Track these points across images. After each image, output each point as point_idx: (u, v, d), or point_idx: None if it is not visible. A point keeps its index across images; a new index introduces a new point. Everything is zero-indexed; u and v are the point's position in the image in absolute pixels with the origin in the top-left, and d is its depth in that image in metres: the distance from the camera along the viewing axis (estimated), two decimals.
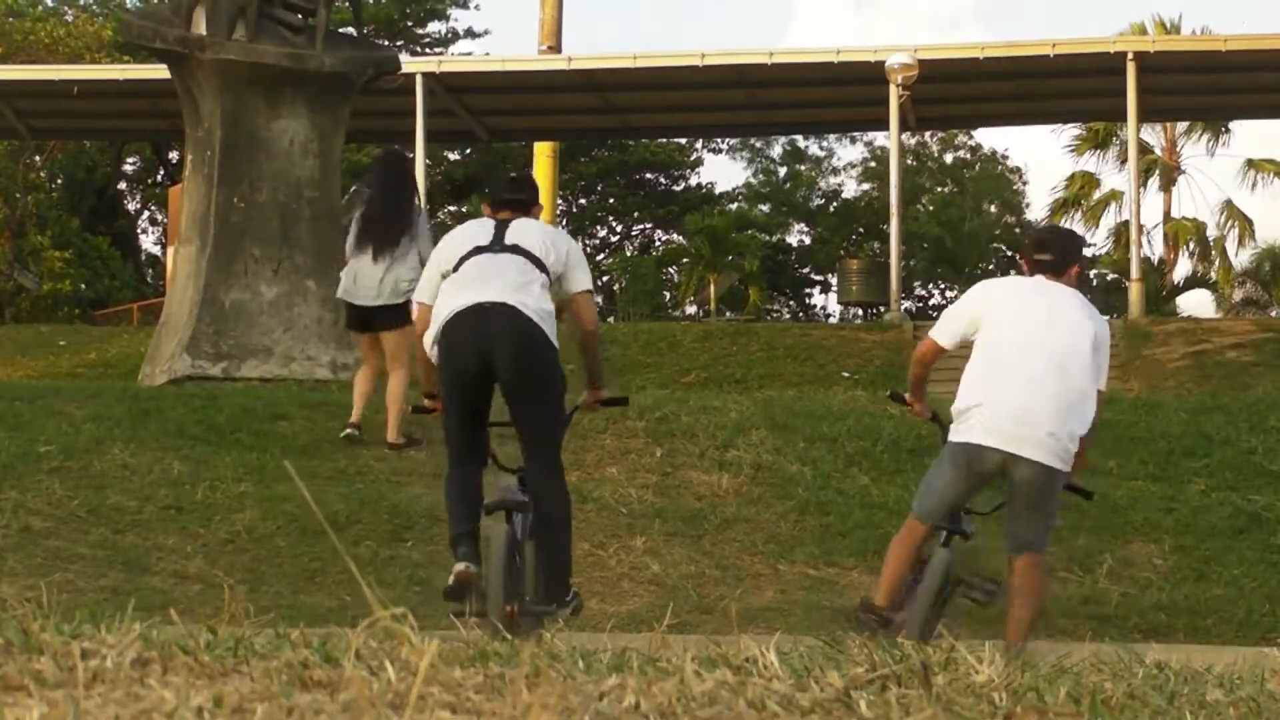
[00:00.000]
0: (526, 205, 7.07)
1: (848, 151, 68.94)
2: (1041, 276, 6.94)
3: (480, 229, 6.84)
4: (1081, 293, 6.98)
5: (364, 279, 11.18)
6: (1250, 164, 40.73)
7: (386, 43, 35.16)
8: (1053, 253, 6.98)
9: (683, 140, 45.42)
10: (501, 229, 6.77)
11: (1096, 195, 42.07)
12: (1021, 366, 6.66)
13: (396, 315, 10.93)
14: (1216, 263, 41.61)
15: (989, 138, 50.46)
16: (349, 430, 11.35)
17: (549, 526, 6.59)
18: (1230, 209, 41.43)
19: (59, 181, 41.83)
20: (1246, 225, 41.35)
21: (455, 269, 6.65)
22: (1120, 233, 41.53)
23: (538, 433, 6.67)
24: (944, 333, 7.15)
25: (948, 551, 7.10)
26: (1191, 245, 41.71)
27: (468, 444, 6.63)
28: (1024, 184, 50.72)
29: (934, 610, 6.92)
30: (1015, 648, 6.16)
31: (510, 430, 6.86)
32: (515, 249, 6.66)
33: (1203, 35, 33.98)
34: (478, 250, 6.67)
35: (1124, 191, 35.05)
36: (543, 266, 6.67)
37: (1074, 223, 42.75)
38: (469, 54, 43.89)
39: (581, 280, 6.87)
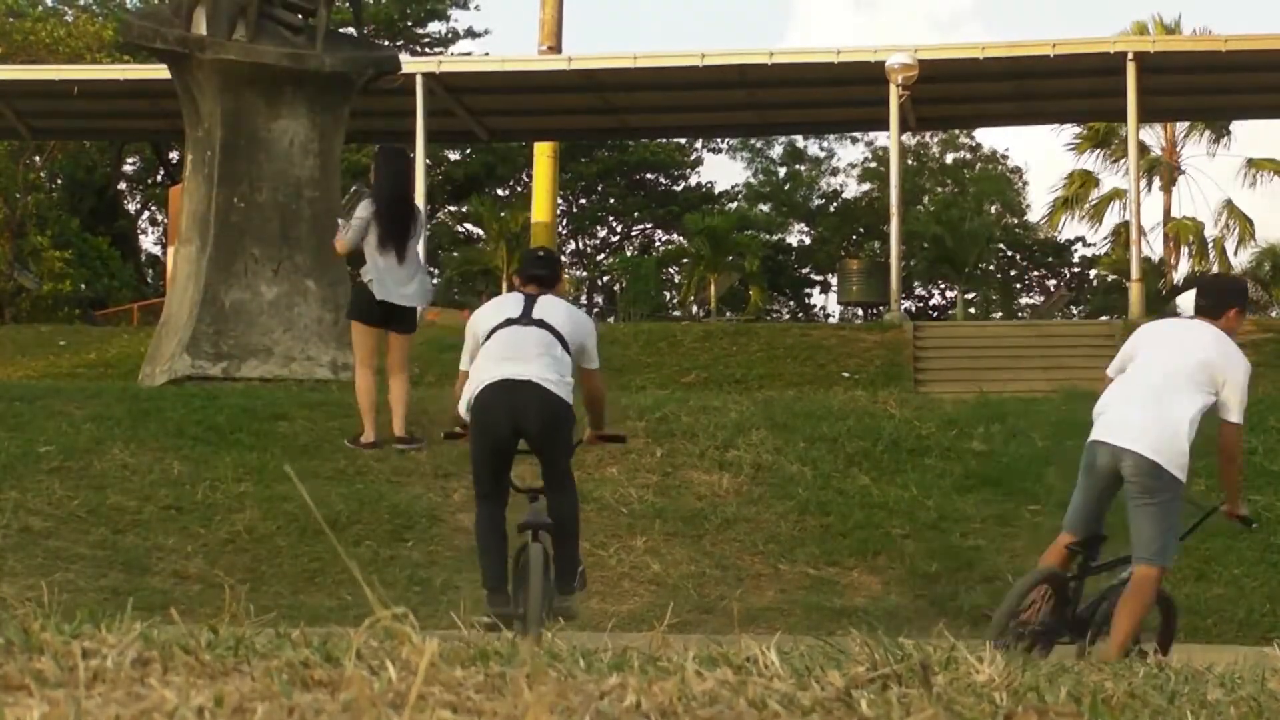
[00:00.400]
0: (552, 281, 7.98)
1: (848, 152, 69.02)
2: (1199, 319, 7.87)
3: (511, 303, 7.77)
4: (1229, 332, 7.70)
5: (395, 277, 11.27)
6: (1251, 163, 40.77)
7: (386, 43, 35.17)
8: (1208, 298, 7.91)
9: (682, 140, 45.44)
10: (530, 304, 7.69)
11: (1096, 194, 42.08)
12: (1139, 380, 7.56)
13: (413, 319, 11.26)
14: (1216, 263, 41.63)
15: (989, 138, 50.46)
16: (369, 446, 11.33)
17: (563, 529, 7.59)
18: (1230, 209, 41.47)
19: (59, 182, 41.84)
20: (1247, 225, 41.39)
21: (487, 339, 7.61)
22: (1120, 232, 41.55)
23: (555, 465, 7.70)
24: (1111, 365, 7.99)
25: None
26: (1192, 245, 41.75)
27: (496, 488, 7.65)
28: (1024, 184, 50.71)
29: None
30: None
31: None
32: (541, 323, 7.59)
33: (1203, 35, 33.98)
34: (509, 322, 7.61)
35: (1125, 190, 35.01)
36: (564, 340, 7.62)
37: (1075, 221, 42.80)
38: (469, 54, 43.90)
39: (593, 359, 7.86)
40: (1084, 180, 41.71)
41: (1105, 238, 43.19)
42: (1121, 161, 38.78)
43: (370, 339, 11.44)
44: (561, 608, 7.50)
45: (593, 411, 8.12)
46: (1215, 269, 41.70)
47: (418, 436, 11.33)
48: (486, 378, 7.48)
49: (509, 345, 7.53)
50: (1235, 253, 41.84)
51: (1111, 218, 42.03)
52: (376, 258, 11.38)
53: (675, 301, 43.25)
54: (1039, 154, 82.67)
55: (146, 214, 48.60)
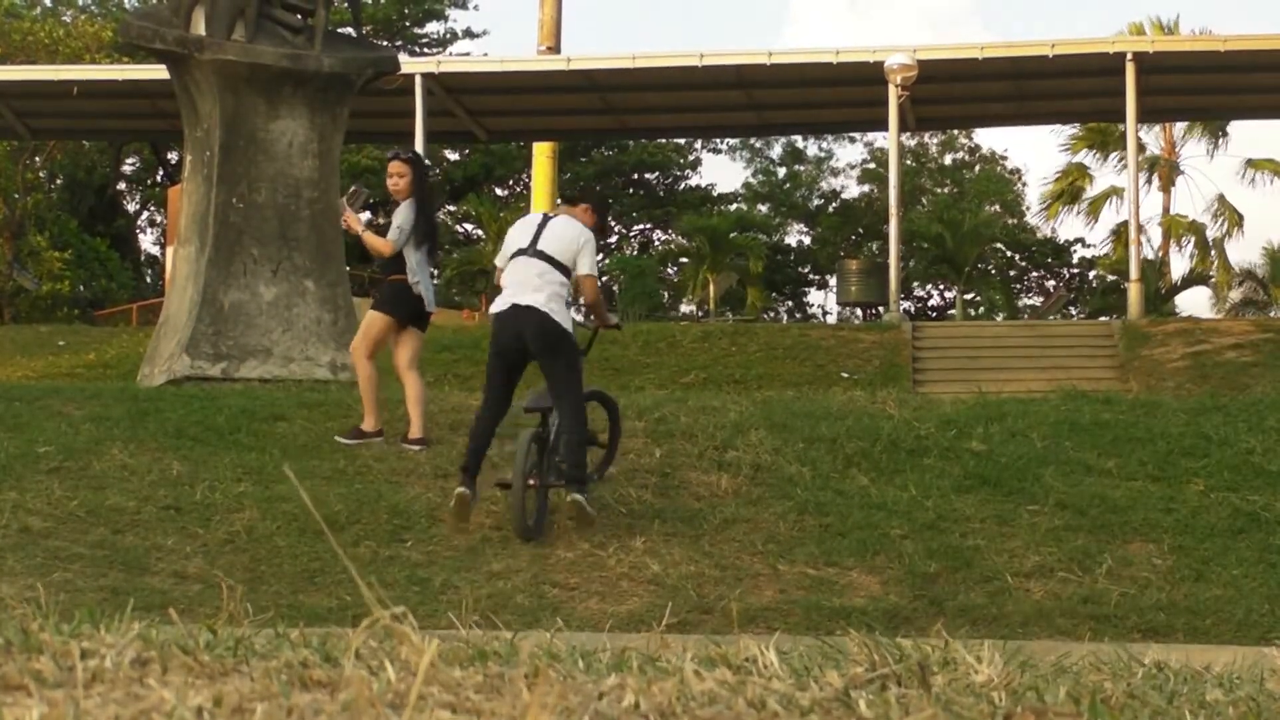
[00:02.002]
0: (573, 200, 10.37)
1: (847, 152, 69.02)
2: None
3: (526, 229, 9.80)
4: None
5: (429, 282, 11.57)
6: (1250, 164, 40.80)
7: (385, 43, 35.16)
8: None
9: (681, 141, 45.44)
10: (540, 229, 9.69)
11: (1091, 190, 42.09)
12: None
13: (428, 318, 11.61)
14: (1216, 261, 41.66)
15: (988, 138, 50.47)
16: (374, 435, 11.39)
17: (566, 433, 9.55)
18: (1222, 203, 41.50)
19: (58, 182, 41.83)
20: (1236, 219, 41.42)
21: (509, 263, 9.74)
22: (1121, 232, 41.58)
23: (554, 374, 9.69)
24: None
25: None
26: (1189, 245, 41.77)
27: (500, 397, 9.77)
28: (1023, 184, 50.69)
29: None
30: None
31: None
32: (540, 254, 9.59)
33: (1201, 35, 34.00)
34: (519, 252, 9.65)
35: (1123, 188, 35.02)
36: (561, 265, 9.60)
37: (1071, 217, 42.82)
38: (468, 54, 43.90)
39: (583, 265, 9.74)
40: (1077, 174, 41.71)
41: (1105, 238, 43.22)
42: (1121, 160, 38.78)
43: (387, 336, 11.48)
44: (556, 484, 9.66)
45: (588, 308, 10.55)
46: (1214, 268, 41.73)
47: (429, 439, 11.39)
48: (502, 303, 9.61)
49: (517, 275, 9.59)
50: (1225, 242, 41.86)
51: (1108, 216, 42.08)
52: (424, 263, 11.53)
53: (674, 302, 43.25)
54: (1038, 154, 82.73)
55: (146, 214, 48.61)
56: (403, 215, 11.44)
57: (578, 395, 9.73)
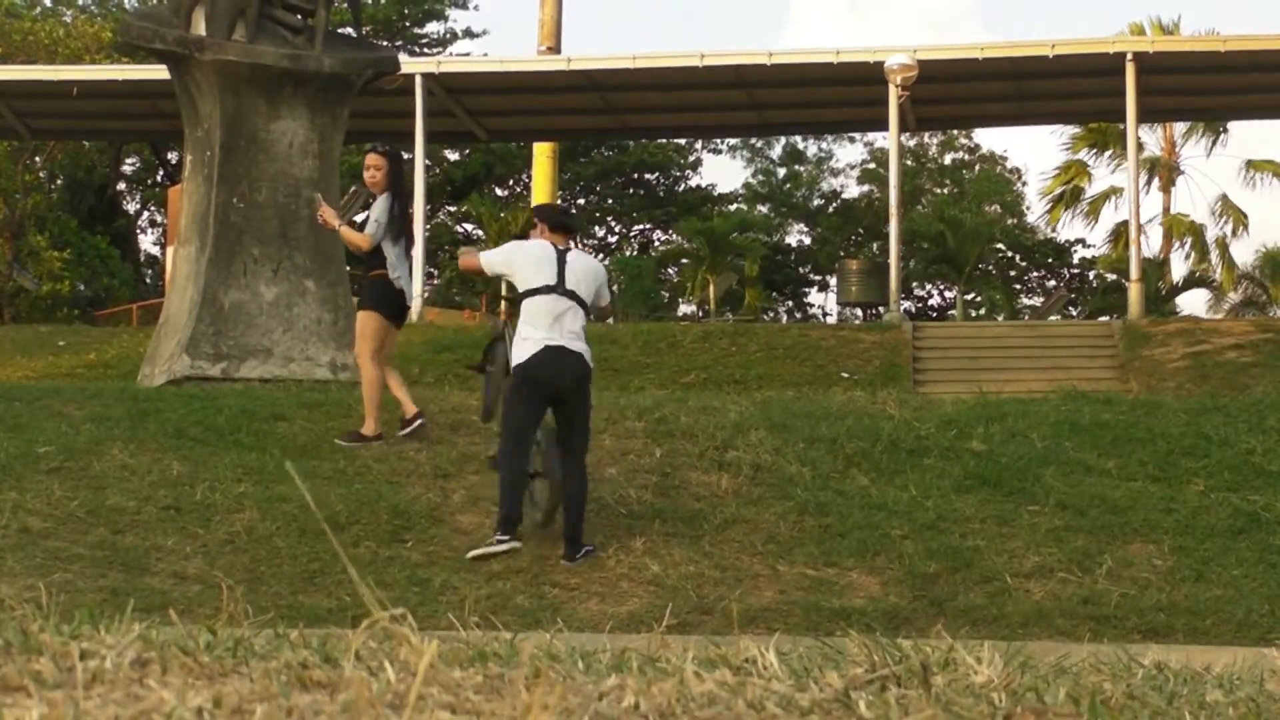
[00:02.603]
0: (571, 230, 10.15)
1: (847, 152, 69.02)
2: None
3: (548, 262, 9.68)
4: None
5: (407, 276, 11.60)
6: (1250, 164, 40.81)
7: (385, 43, 35.17)
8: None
9: (682, 141, 45.44)
10: (562, 265, 9.65)
11: (1090, 188, 42.10)
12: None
13: (406, 313, 11.87)
14: (1217, 262, 41.65)
15: (988, 139, 50.49)
16: (375, 439, 11.42)
17: (579, 485, 9.64)
18: (1226, 203, 41.50)
19: (59, 182, 41.83)
20: (1242, 219, 41.42)
21: (531, 294, 9.60)
22: (1121, 233, 41.58)
23: (580, 418, 9.67)
24: None
25: None
26: (1188, 244, 41.76)
27: (529, 431, 9.66)
28: (1023, 184, 50.68)
29: None
30: None
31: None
32: (573, 295, 9.60)
33: (1202, 35, 34.00)
34: (549, 289, 9.59)
35: (1123, 188, 35.03)
36: (584, 304, 9.68)
37: (1072, 217, 42.80)
38: (468, 54, 43.91)
39: (605, 296, 10.05)
40: (1076, 171, 41.69)
41: (1105, 238, 43.20)
42: (1120, 159, 38.77)
43: (384, 333, 11.53)
44: (582, 558, 9.58)
45: (600, 316, 10.96)
46: (1218, 268, 41.73)
47: (422, 411, 11.50)
48: (537, 342, 9.51)
49: (548, 313, 9.54)
50: (1230, 244, 41.87)
51: (1108, 216, 42.08)
52: (403, 257, 11.55)
53: (671, 299, 43.25)
54: (1038, 154, 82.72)
55: (146, 214, 48.61)
56: (379, 209, 11.50)
57: (588, 440, 9.86)
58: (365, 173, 11.78)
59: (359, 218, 12.25)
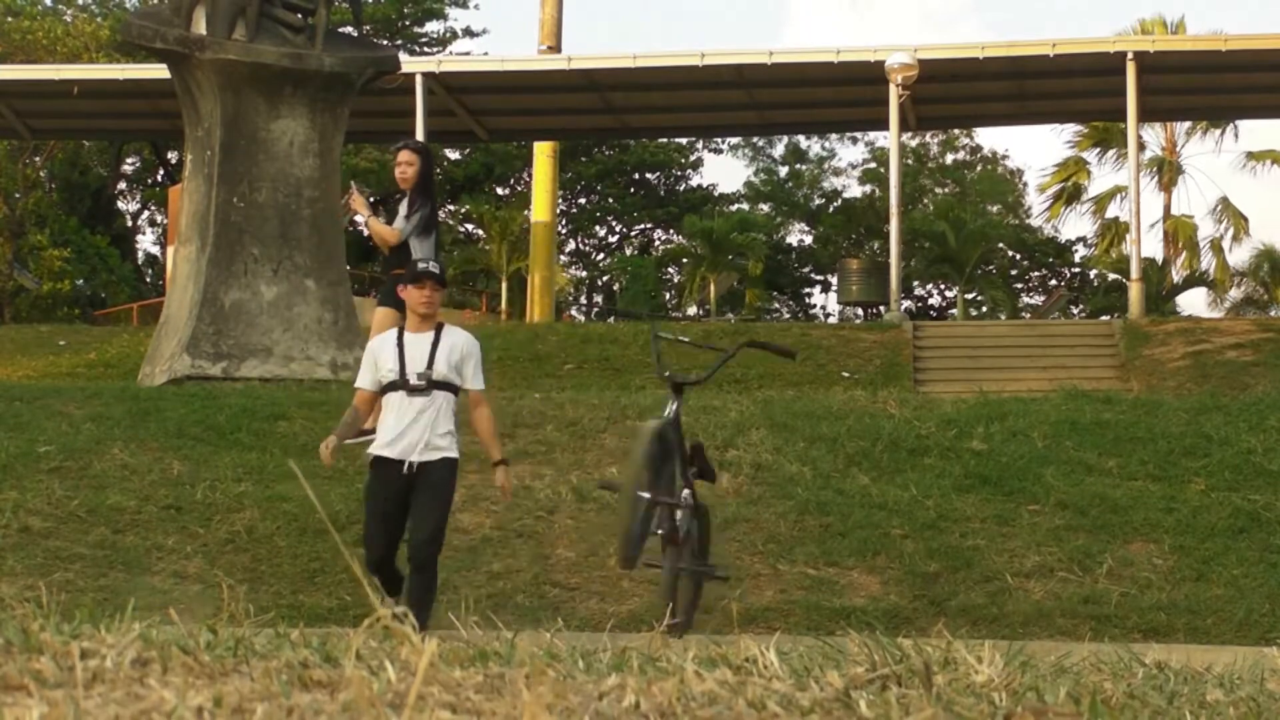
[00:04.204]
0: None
1: (849, 152, 69.00)
2: None
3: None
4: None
5: None
6: (1250, 156, 40.85)
7: (385, 42, 35.17)
8: None
9: (683, 140, 45.43)
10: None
11: (1091, 186, 42.10)
12: None
13: None
14: (1215, 261, 41.66)
15: (989, 138, 50.48)
16: (373, 436, 11.42)
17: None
18: (1226, 206, 41.50)
19: (54, 184, 41.81)
20: (1242, 222, 41.42)
21: None
22: (1108, 229, 41.58)
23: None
24: None
25: None
26: (1186, 243, 41.76)
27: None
28: (1023, 184, 50.67)
29: None
30: None
31: None
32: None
33: (1202, 35, 33.99)
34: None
35: (1125, 187, 35.03)
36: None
37: (1074, 218, 42.81)
38: (467, 53, 43.90)
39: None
40: (1076, 169, 41.67)
41: (1095, 233, 43.13)
42: (1121, 158, 38.77)
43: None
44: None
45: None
46: (1212, 268, 41.73)
47: None
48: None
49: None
50: (1230, 248, 41.87)
51: (1111, 215, 42.00)
52: (430, 255, 11.54)
53: (674, 303, 43.24)
54: (1039, 154, 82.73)
55: (146, 214, 48.60)
56: (409, 205, 11.43)
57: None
58: (396, 169, 11.69)
59: (359, 218, 12.24)
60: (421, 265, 8.27)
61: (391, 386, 7.85)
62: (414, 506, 7.73)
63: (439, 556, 7.89)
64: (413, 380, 7.80)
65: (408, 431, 7.75)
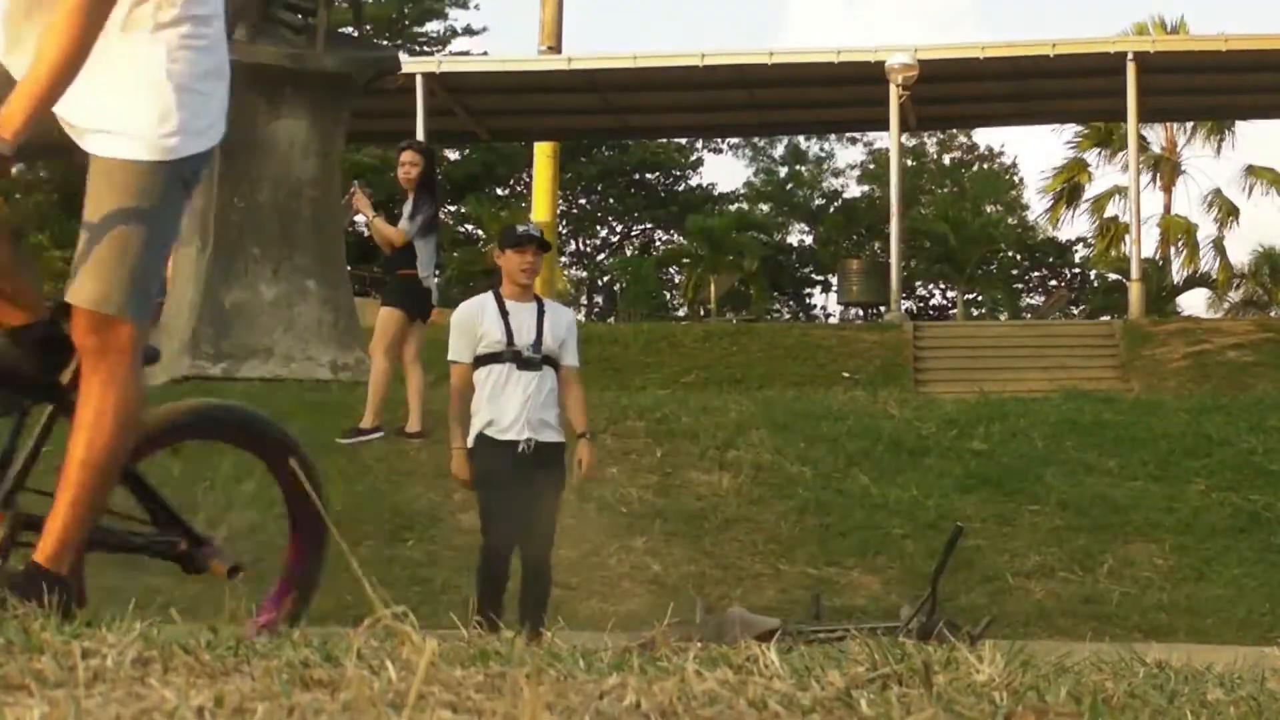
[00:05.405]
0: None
1: (847, 153, 68.95)
2: None
3: None
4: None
5: (432, 273, 11.62)
6: (1250, 170, 40.84)
7: (385, 42, 35.16)
8: None
9: (683, 140, 45.43)
10: None
11: (1091, 186, 42.11)
12: None
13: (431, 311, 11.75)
14: (1216, 261, 41.66)
15: (985, 135, 50.42)
16: (374, 432, 11.45)
17: None
18: (1219, 197, 41.50)
19: (51, 187, 41.80)
20: (1232, 210, 41.42)
21: None
22: (1110, 228, 41.57)
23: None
24: None
25: None
26: (1185, 242, 41.76)
27: None
28: (1021, 182, 50.67)
29: None
30: None
31: None
32: None
33: (1203, 35, 34.00)
34: None
35: (1125, 187, 35.03)
36: None
37: (1074, 218, 42.80)
38: (467, 53, 43.91)
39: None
40: (1077, 169, 41.67)
41: (1093, 232, 43.13)
42: (1121, 158, 38.77)
43: (402, 330, 11.49)
44: None
45: None
46: (1214, 269, 41.73)
47: (427, 433, 11.47)
48: None
49: None
50: (1223, 236, 41.84)
51: (1110, 214, 41.98)
52: (434, 255, 11.59)
53: (676, 303, 43.26)
54: (1038, 152, 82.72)
55: None
56: (412, 205, 11.45)
57: None
58: (400, 169, 11.71)
59: (360, 218, 12.26)
60: (522, 228, 7.65)
61: (494, 358, 7.20)
62: (530, 504, 7.14)
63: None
64: (526, 352, 7.18)
65: (517, 408, 7.12)
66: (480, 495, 7.24)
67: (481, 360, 7.17)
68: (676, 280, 44.62)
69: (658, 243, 50.06)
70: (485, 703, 2.15)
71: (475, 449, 7.15)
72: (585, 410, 7.58)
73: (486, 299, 7.39)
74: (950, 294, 46.87)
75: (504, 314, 7.22)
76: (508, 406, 7.07)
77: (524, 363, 7.13)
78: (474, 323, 7.26)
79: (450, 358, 7.33)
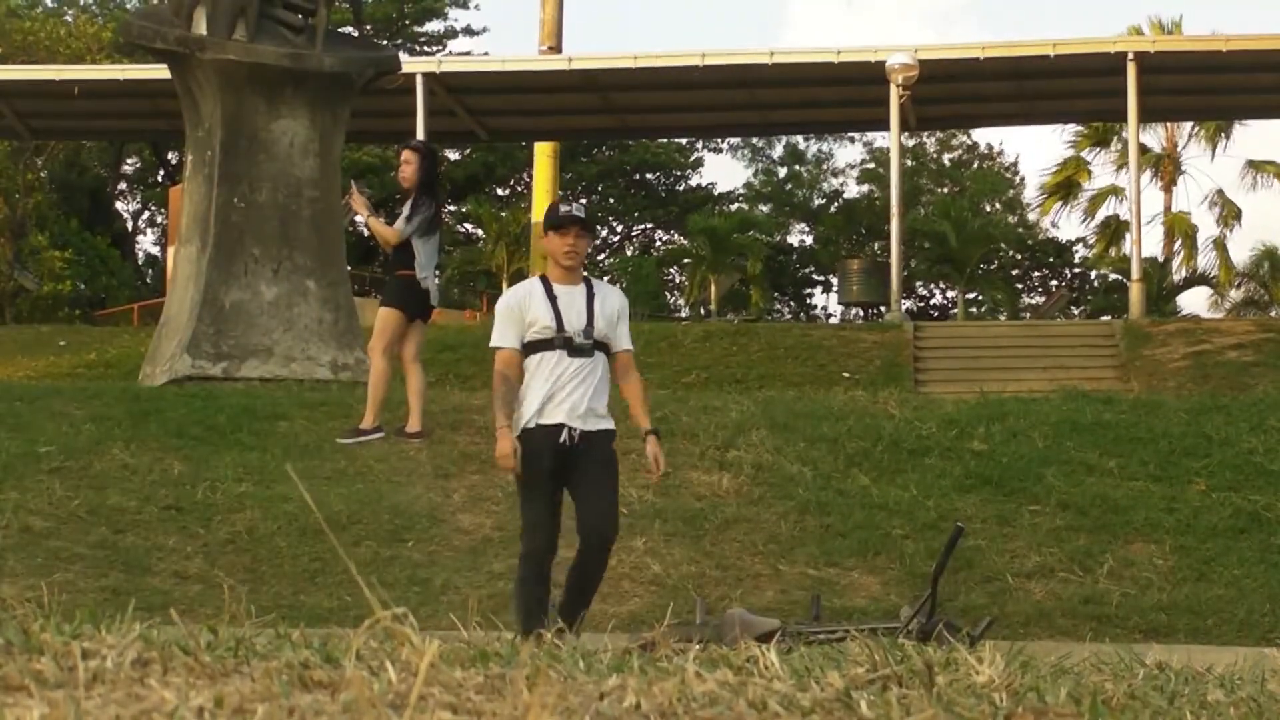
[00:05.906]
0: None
1: (846, 152, 68.95)
2: None
3: None
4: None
5: (433, 273, 11.60)
6: (1251, 164, 40.81)
7: (385, 42, 35.16)
8: None
9: (683, 140, 45.44)
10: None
11: (1090, 185, 42.08)
12: None
13: (431, 311, 11.73)
14: (1217, 261, 41.64)
15: (984, 134, 50.42)
16: (374, 432, 11.45)
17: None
18: (1221, 197, 41.49)
19: (52, 186, 41.84)
20: (1235, 211, 41.39)
21: None
22: (1110, 225, 41.54)
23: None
24: None
25: None
26: (1185, 242, 41.75)
27: None
28: (1020, 181, 50.64)
29: None
30: None
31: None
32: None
33: (1203, 35, 33.99)
34: None
35: (1124, 187, 35.03)
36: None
37: (1071, 217, 42.81)
38: (467, 53, 43.91)
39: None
40: (1076, 168, 41.66)
41: (1092, 229, 43.12)
42: (1121, 158, 38.76)
43: (400, 330, 11.47)
44: None
45: None
46: (1215, 268, 41.72)
47: (428, 432, 11.44)
48: None
49: None
50: (1225, 238, 41.83)
51: (1108, 213, 41.97)
52: (433, 256, 11.57)
53: (678, 303, 43.26)
54: (1037, 151, 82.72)
55: (146, 214, 48.60)
56: (410, 205, 11.45)
57: None
58: (401, 168, 11.73)
59: (358, 217, 12.25)
60: (564, 209, 7.24)
61: (545, 345, 6.88)
62: (583, 484, 6.84)
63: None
64: (578, 338, 6.87)
65: (567, 395, 6.84)
66: (524, 490, 6.98)
67: (531, 347, 6.90)
68: (677, 280, 44.61)
69: (658, 243, 50.07)
70: (485, 704, 2.15)
71: (524, 438, 6.84)
72: (647, 402, 7.34)
73: (534, 283, 7.14)
74: (950, 294, 46.86)
75: (552, 298, 6.93)
76: (558, 395, 6.83)
77: (575, 349, 6.87)
78: (520, 309, 6.97)
79: (493, 343, 7.02)
